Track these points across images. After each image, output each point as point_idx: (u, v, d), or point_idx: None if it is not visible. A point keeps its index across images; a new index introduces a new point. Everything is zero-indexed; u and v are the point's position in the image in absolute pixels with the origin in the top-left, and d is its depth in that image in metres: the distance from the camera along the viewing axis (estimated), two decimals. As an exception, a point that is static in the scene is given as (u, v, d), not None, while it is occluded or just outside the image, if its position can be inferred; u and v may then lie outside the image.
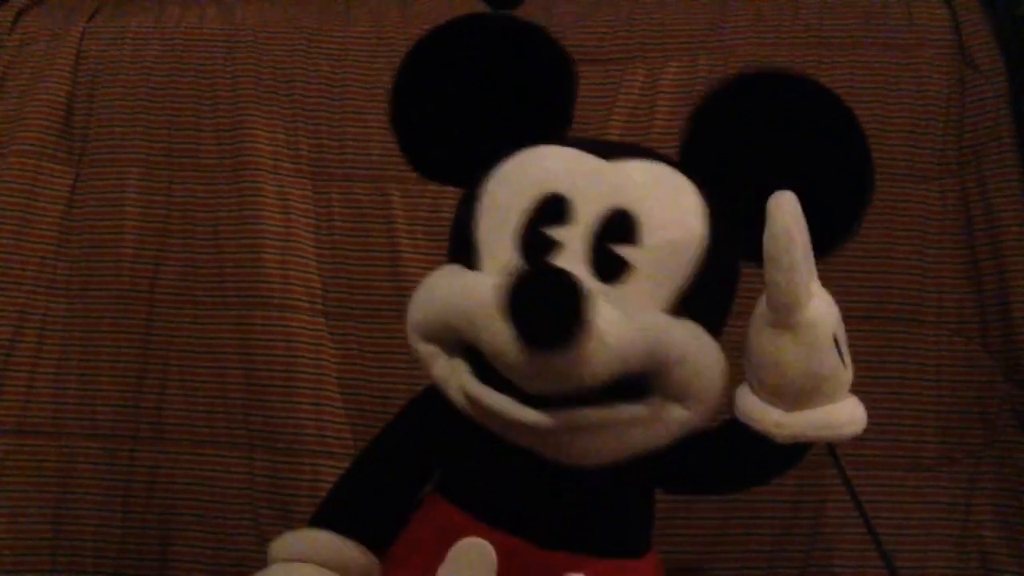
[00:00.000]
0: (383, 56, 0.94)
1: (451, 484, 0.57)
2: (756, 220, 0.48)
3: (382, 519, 0.58)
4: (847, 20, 0.92)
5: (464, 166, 0.56)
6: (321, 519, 0.58)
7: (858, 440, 0.82)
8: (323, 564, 0.55)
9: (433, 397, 0.56)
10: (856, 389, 0.82)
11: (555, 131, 0.58)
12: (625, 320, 0.47)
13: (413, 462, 0.59)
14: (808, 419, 0.51)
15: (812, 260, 0.49)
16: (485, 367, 0.50)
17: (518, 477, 0.54)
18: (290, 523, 0.82)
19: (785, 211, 0.46)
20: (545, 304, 0.44)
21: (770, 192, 0.49)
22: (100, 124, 0.94)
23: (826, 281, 0.84)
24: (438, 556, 0.53)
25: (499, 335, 0.46)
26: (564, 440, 0.50)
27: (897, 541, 0.81)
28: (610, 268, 0.50)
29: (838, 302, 0.83)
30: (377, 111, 0.91)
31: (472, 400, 0.51)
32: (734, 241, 0.54)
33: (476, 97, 0.57)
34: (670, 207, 0.51)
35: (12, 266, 0.90)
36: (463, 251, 0.54)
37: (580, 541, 0.54)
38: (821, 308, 0.49)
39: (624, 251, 0.50)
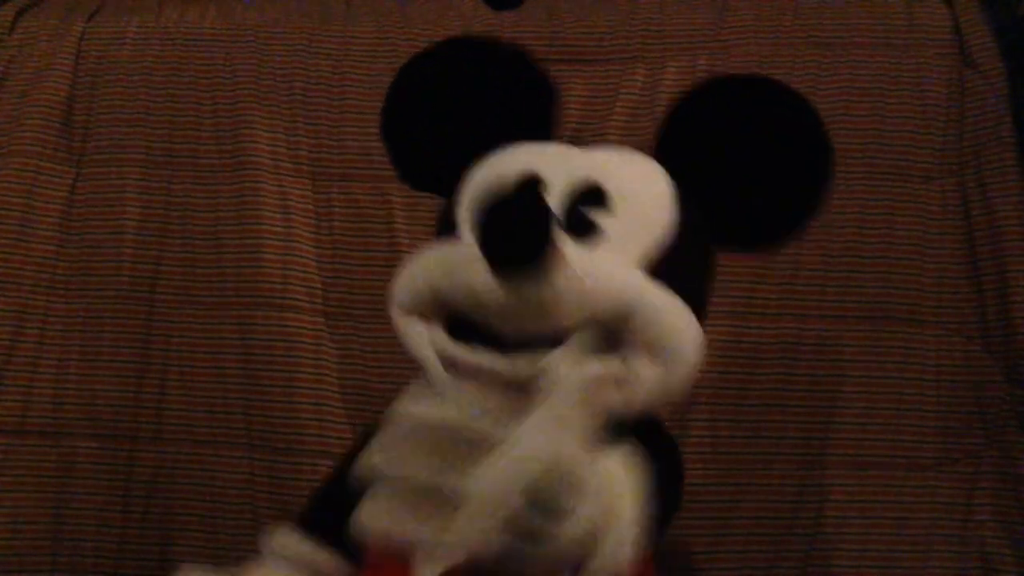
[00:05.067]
0: (383, 56, 0.94)
1: None
2: (724, 211, 0.55)
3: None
4: (847, 20, 0.92)
5: (454, 178, 0.58)
6: (302, 523, 0.61)
7: (858, 440, 0.83)
8: (296, 569, 0.58)
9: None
10: (857, 389, 0.83)
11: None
12: (595, 259, 0.50)
13: None
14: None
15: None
16: (463, 331, 0.51)
17: None
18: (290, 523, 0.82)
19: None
20: (514, 223, 0.46)
21: (737, 187, 0.55)
22: (100, 124, 0.94)
23: (827, 281, 0.85)
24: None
25: (474, 275, 0.48)
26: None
27: (897, 541, 0.81)
28: (583, 231, 0.52)
29: (838, 302, 0.84)
30: (377, 111, 0.90)
31: (450, 362, 0.52)
32: (702, 227, 0.56)
33: (463, 116, 0.61)
34: (639, 183, 0.55)
35: (12, 266, 0.90)
36: (446, 231, 0.57)
37: None
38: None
39: (596, 215, 0.52)
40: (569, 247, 0.49)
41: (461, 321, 0.52)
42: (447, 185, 0.59)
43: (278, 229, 0.90)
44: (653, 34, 0.93)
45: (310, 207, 0.91)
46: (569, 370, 0.48)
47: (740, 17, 0.93)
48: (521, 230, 0.46)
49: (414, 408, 0.53)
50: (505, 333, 0.50)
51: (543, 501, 0.42)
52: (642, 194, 0.54)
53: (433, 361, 0.53)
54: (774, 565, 0.81)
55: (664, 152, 0.58)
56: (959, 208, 0.86)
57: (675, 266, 0.53)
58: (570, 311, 0.49)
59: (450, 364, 0.52)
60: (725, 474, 0.82)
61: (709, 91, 0.59)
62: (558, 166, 0.54)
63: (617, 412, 0.51)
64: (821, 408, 0.83)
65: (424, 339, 0.53)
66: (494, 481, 0.43)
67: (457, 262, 0.51)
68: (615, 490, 0.46)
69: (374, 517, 0.52)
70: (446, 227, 0.57)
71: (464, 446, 0.48)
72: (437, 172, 0.60)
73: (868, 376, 0.83)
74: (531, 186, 0.53)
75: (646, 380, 0.50)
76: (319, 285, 0.89)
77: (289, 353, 0.87)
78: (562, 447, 0.44)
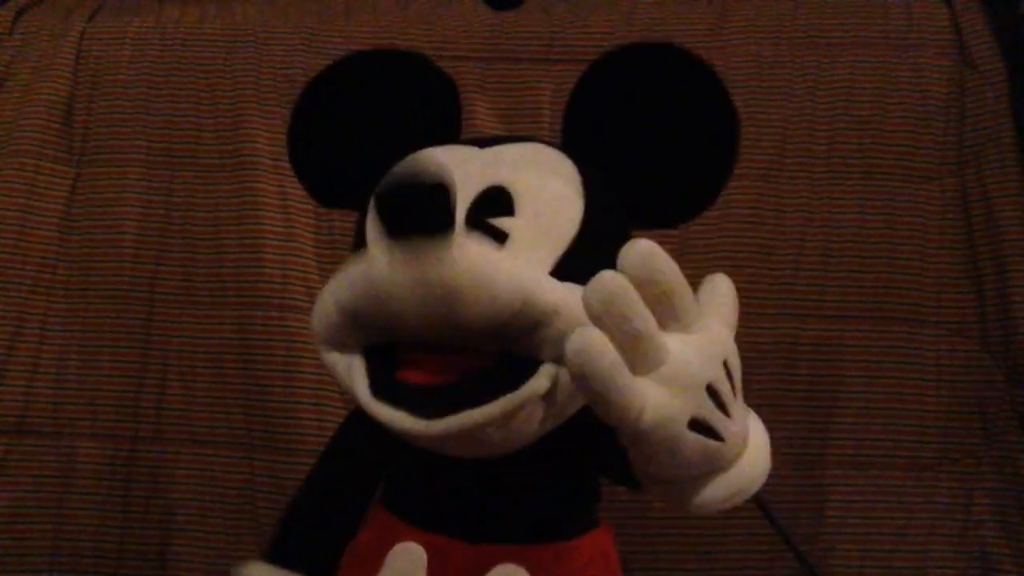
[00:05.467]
0: (383, 56, 0.94)
1: (389, 494, 0.58)
2: (636, 187, 0.54)
3: (330, 546, 0.58)
4: (847, 20, 0.92)
5: (365, 192, 0.56)
6: (271, 553, 0.59)
7: (858, 440, 0.83)
8: None
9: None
10: (857, 389, 0.83)
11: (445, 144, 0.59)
12: (502, 258, 0.48)
13: (355, 481, 0.60)
14: (712, 495, 0.48)
15: (638, 354, 0.43)
16: (381, 370, 0.50)
17: (442, 478, 0.54)
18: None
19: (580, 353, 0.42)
20: (413, 187, 0.45)
21: (646, 159, 0.54)
22: (100, 124, 0.94)
23: (827, 281, 0.85)
24: (378, 565, 0.54)
25: (376, 270, 0.47)
26: (468, 441, 0.49)
27: (897, 541, 0.81)
28: (488, 238, 0.50)
29: (838, 302, 0.84)
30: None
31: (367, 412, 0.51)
32: (615, 209, 0.55)
33: (368, 127, 0.60)
34: (543, 179, 0.53)
35: (12, 266, 0.90)
36: (357, 247, 0.55)
37: (510, 532, 0.54)
38: (661, 403, 0.43)
39: (500, 222, 0.50)
40: (473, 242, 0.48)
41: (381, 346, 0.51)
42: (360, 200, 0.57)
43: (278, 229, 0.90)
44: (653, 34, 0.93)
45: (310, 207, 0.91)
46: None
47: (740, 17, 0.93)
48: (419, 193, 0.45)
49: None
50: (413, 333, 0.48)
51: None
52: (547, 192, 0.52)
53: (358, 393, 0.51)
54: (774, 566, 0.81)
55: (571, 133, 0.57)
56: (959, 208, 0.86)
57: (587, 260, 0.49)
58: (475, 306, 0.46)
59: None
60: (725, 474, 0.82)
61: (609, 64, 0.56)
62: (462, 172, 0.52)
63: (547, 423, 0.50)
64: (821, 408, 0.83)
65: (348, 377, 0.52)
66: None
67: (360, 267, 0.49)
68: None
69: None
70: (357, 243, 0.55)
71: None
72: (349, 188, 0.59)
73: (868, 376, 0.83)
74: (430, 165, 0.50)
75: (568, 384, 0.49)
76: (319, 285, 0.89)
77: (289, 353, 0.87)
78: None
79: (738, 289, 0.84)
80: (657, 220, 0.57)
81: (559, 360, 0.48)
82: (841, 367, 0.83)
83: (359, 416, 0.60)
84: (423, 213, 0.45)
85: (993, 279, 0.84)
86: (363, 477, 0.60)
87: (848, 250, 0.86)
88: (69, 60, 0.96)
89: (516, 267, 0.48)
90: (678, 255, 0.93)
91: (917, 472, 0.82)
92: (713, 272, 0.51)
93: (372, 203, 0.48)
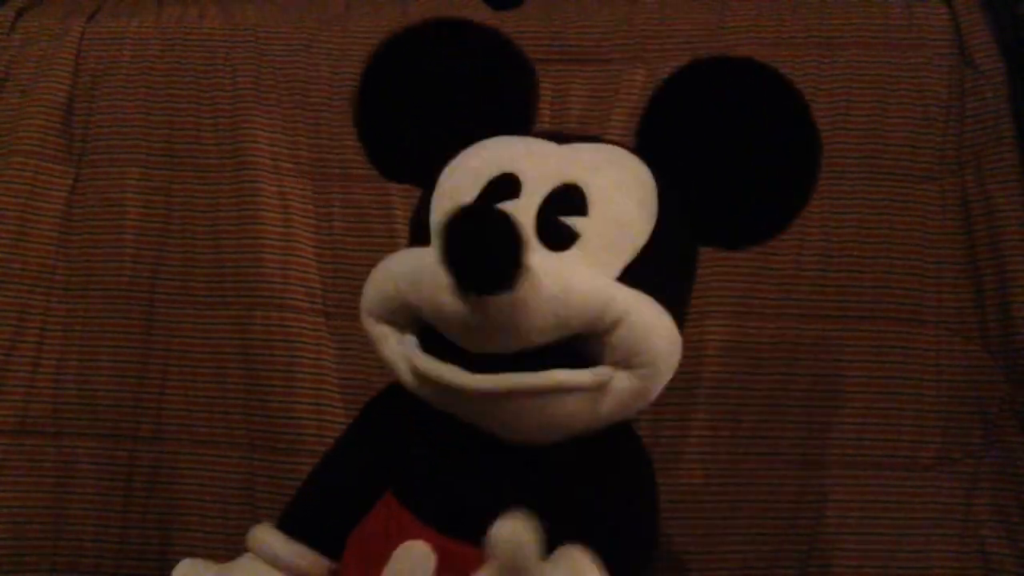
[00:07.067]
0: (383, 56, 0.94)
1: (401, 485, 0.57)
2: (709, 204, 0.52)
3: (339, 525, 0.58)
4: (847, 20, 0.92)
5: (429, 167, 0.56)
6: (282, 520, 0.60)
7: (858, 440, 0.83)
8: (278, 568, 0.58)
9: (391, 395, 0.57)
10: (857, 389, 0.83)
11: (517, 132, 0.58)
12: (567, 272, 0.47)
13: (369, 464, 0.59)
14: None
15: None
16: (435, 341, 0.50)
17: (462, 479, 0.54)
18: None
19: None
20: (481, 243, 0.43)
21: (721, 181, 0.52)
22: (100, 124, 0.94)
23: (827, 281, 0.85)
24: (384, 558, 0.53)
25: (440, 288, 0.46)
26: (507, 411, 0.49)
27: (898, 541, 0.81)
28: (558, 238, 0.49)
29: (838, 302, 0.84)
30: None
31: (418, 374, 0.51)
32: (686, 223, 0.54)
33: (439, 100, 0.58)
34: (619, 182, 0.52)
35: (12, 266, 0.90)
36: (418, 237, 0.54)
37: None
38: None
39: (571, 221, 0.50)
40: (540, 257, 0.46)
41: (434, 331, 0.50)
42: (424, 175, 0.56)
43: (278, 229, 0.90)
44: (653, 34, 0.93)
45: (310, 207, 0.91)
46: (512, 539, 0.45)
47: (740, 17, 0.93)
48: (488, 251, 0.43)
49: None
50: (471, 351, 0.48)
51: None
52: (622, 196, 0.51)
53: (404, 370, 0.52)
54: (774, 565, 0.81)
55: (647, 141, 0.56)
56: (959, 208, 0.86)
57: (655, 269, 0.51)
58: (537, 326, 0.46)
59: (419, 376, 0.51)
60: (725, 474, 0.82)
61: (692, 75, 0.55)
62: (535, 165, 0.52)
63: (586, 423, 0.50)
64: (821, 408, 0.83)
65: (397, 350, 0.52)
66: None
67: (424, 276, 0.48)
68: None
69: None
70: (418, 230, 0.55)
71: None
72: (413, 161, 0.58)
73: (868, 376, 0.83)
74: (502, 194, 0.50)
75: (620, 391, 0.49)
76: (319, 285, 0.89)
77: (289, 353, 0.87)
78: None
79: (738, 289, 0.85)
80: (725, 239, 0.56)
81: (617, 364, 0.48)
82: (841, 367, 0.83)
83: (383, 400, 0.59)
84: (489, 269, 0.43)
85: (993, 279, 0.84)
86: (377, 460, 0.58)
87: (848, 250, 0.86)
88: (69, 60, 0.96)
89: (590, 276, 0.48)
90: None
91: (917, 472, 0.82)
92: None
93: (438, 229, 0.45)
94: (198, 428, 0.87)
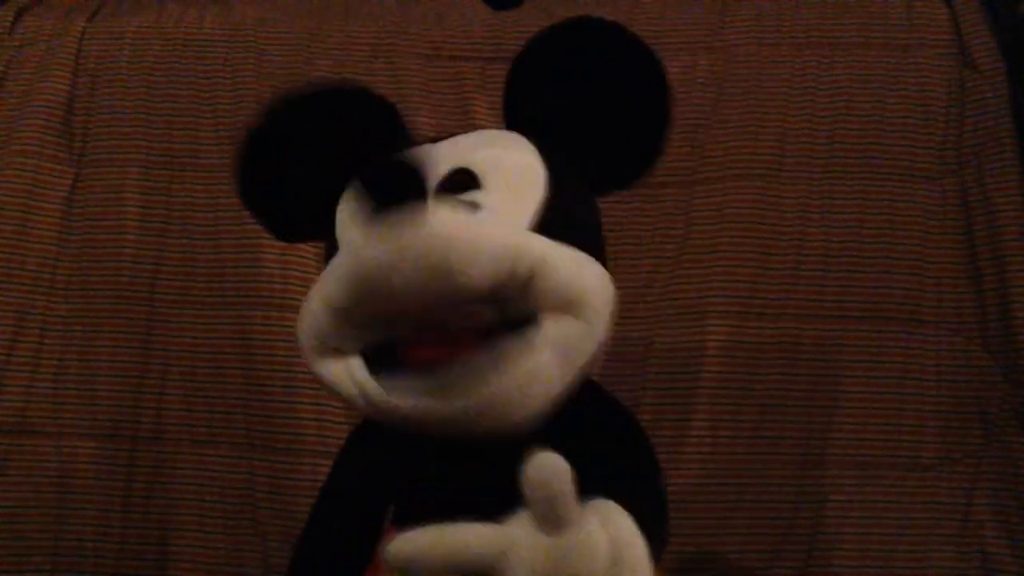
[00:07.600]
0: (383, 56, 0.94)
1: (399, 515, 0.57)
2: (583, 157, 0.55)
3: (353, 565, 0.57)
4: (847, 20, 0.92)
5: (325, 221, 0.57)
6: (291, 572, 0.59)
7: (858, 440, 0.83)
8: None
9: (369, 428, 0.57)
10: (857, 389, 0.83)
11: None
12: (475, 222, 0.49)
13: (367, 502, 0.58)
14: None
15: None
16: (378, 356, 0.50)
17: (456, 496, 0.53)
18: (290, 523, 0.82)
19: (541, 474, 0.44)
20: (390, 164, 0.46)
21: (586, 130, 0.55)
22: (100, 124, 0.94)
23: (827, 281, 0.85)
24: None
25: (364, 254, 0.47)
26: (479, 401, 0.49)
27: (897, 541, 0.81)
28: (462, 210, 0.51)
29: (838, 302, 0.84)
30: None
31: (369, 400, 0.51)
32: (574, 175, 0.56)
33: (317, 163, 0.59)
34: (502, 153, 0.55)
35: (12, 266, 0.90)
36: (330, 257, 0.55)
37: None
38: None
39: (471, 196, 0.51)
40: (450, 210, 0.49)
41: (377, 346, 0.50)
42: (320, 230, 0.57)
43: (278, 229, 0.90)
44: (653, 34, 0.93)
45: (310, 207, 0.91)
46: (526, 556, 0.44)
47: (740, 17, 0.93)
48: (398, 167, 0.46)
49: None
50: (410, 314, 0.48)
51: None
52: (510, 162, 0.54)
53: (357, 396, 0.51)
54: (774, 565, 0.81)
55: (513, 117, 0.58)
56: (959, 208, 0.86)
57: (562, 220, 0.52)
58: (470, 267, 0.46)
59: (371, 403, 0.51)
60: (725, 474, 0.82)
61: (539, 46, 0.59)
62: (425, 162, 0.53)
63: (555, 382, 0.50)
64: (821, 408, 0.83)
65: (348, 381, 0.52)
66: None
67: (342, 259, 0.49)
68: None
69: None
70: (330, 256, 0.55)
71: None
72: (310, 220, 0.59)
73: (868, 376, 0.83)
74: (403, 156, 0.52)
75: (567, 337, 0.49)
76: (319, 285, 0.89)
77: (289, 353, 0.87)
78: None
79: (738, 289, 0.85)
80: (605, 185, 0.58)
81: (559, 309, 0.49)
82: (841, 367, 0.83)
83: (364, 432, 0.60)
84: (398, 184, 0.46)
85: (993, 279, 0.84)
86: (373, 496, 0.58)
87: (848, 250, 0.86)
88: (69, 60, 0.96)
89: (497, 226, 0.49)
90: (678, 255, 0.93)
91: (917, 472, 0.82)
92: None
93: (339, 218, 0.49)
94: (198, 428, 0.87)
